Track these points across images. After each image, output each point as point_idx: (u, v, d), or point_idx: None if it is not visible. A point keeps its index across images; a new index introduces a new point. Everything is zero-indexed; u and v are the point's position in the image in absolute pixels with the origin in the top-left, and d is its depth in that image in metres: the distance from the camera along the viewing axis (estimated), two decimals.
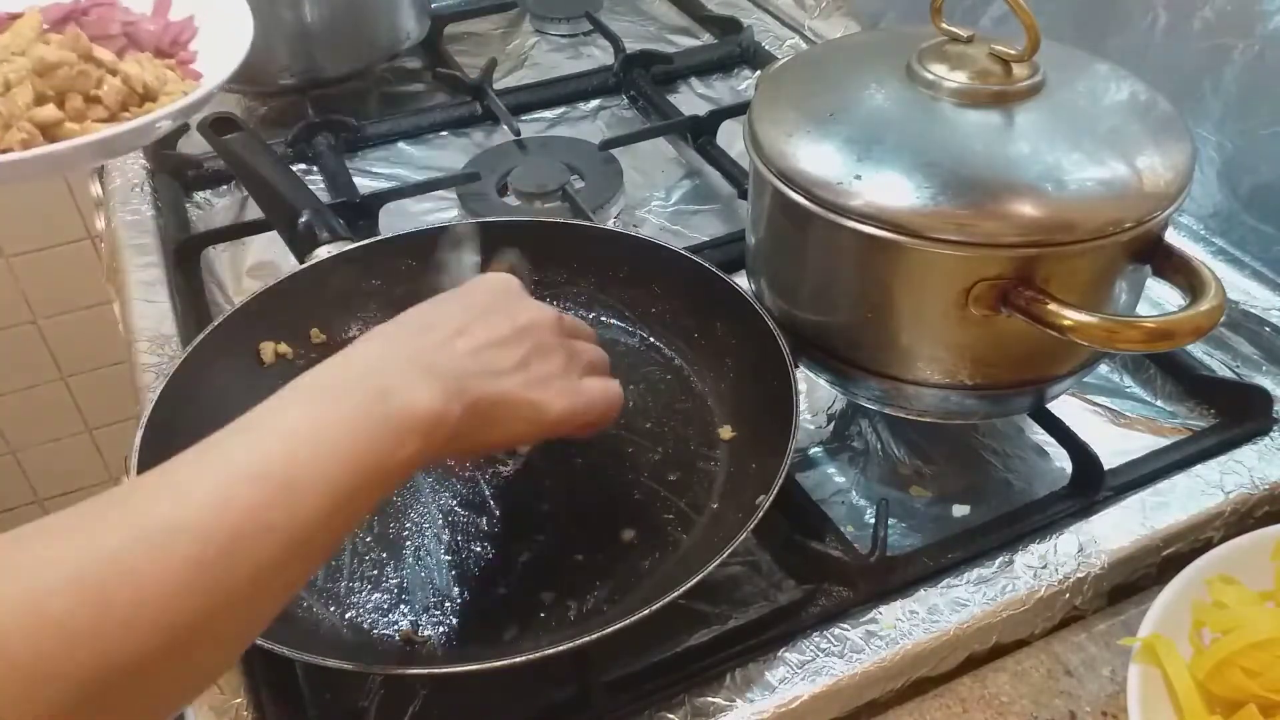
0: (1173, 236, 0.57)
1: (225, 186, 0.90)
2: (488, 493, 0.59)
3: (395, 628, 0.52)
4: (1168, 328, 0.51)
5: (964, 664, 0.54)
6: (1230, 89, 0.73)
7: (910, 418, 0.63)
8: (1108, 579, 0.57)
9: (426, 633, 0.52)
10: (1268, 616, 0.49)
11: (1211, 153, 0.75)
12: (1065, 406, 0.66)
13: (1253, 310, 0.71)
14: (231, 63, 0.75)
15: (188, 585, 0.33)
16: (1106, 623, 0.56)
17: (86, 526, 0.34)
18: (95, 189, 0.93)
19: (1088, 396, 0.69)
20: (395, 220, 0.83)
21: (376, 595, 0.54)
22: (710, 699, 0.50)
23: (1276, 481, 0.61)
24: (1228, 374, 0.69)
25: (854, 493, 0.63)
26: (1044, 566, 0.56)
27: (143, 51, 0.76)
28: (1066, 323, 0.51)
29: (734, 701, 0.50)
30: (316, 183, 0.88)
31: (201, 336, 0.61)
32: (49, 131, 0.68)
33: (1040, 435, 0.66)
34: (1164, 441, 0.65)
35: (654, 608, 0.47)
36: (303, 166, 0.91)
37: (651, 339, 0.68)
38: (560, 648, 0.46)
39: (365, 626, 0.52)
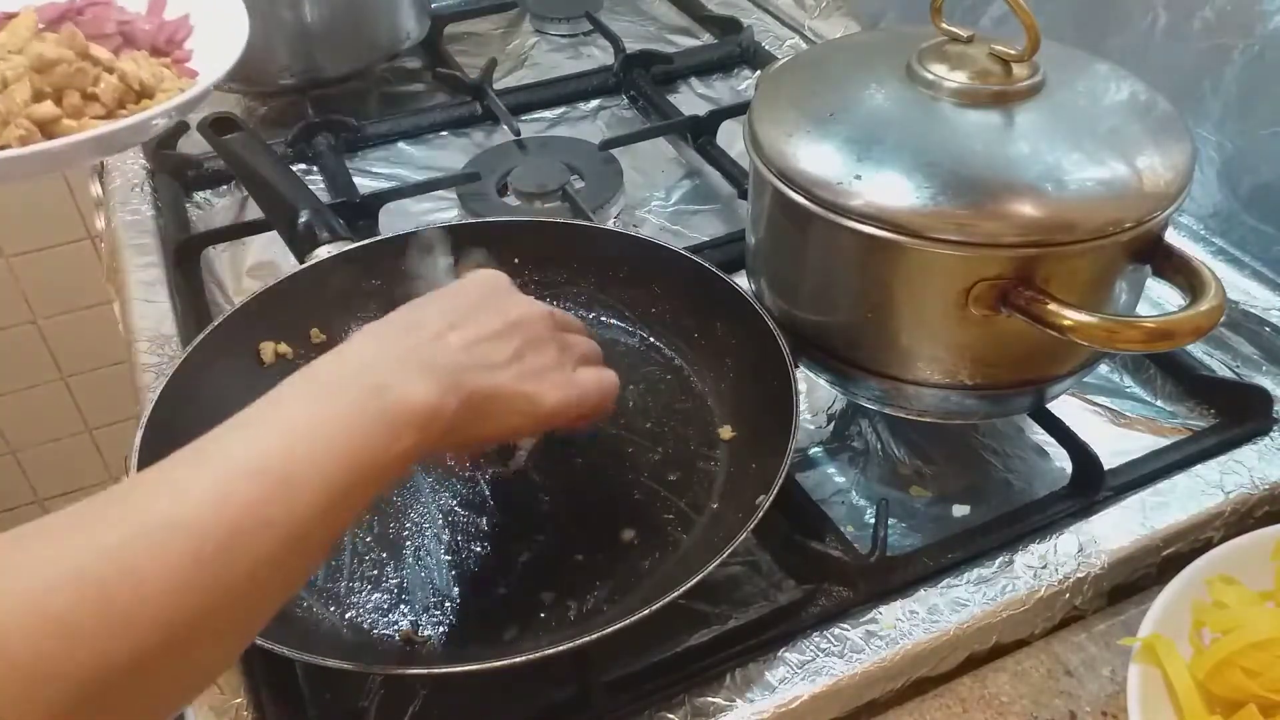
0: (1173, 236, 0.57)
1: (225, 186, 0.90)
2: (488, 493, 0.59)
3: (395, 628, 0.52)
4: (1168, 328, 0.51)
5: (964, 664, 0.54)
6: (1230, 89, 0.73)
7: (910, 418, 0.63)
8: (1108, 579, 0.57)
9: (426, 633, 0.52)
10: (1268, 616, 0.49)
11: (1211, 153, 0.75)
12: (1065, 406, 0.66)
13: (1253, 310, 0.71)
14: (227, 61, 0.75)
15: (187, 582, 0.34)
16: (1106, 623, 0.56)
17: (86, 525, 0.34)
18: (95, 189, 0.93)
19: (1088, 396, 0.69)
20: (395, 220, 0.83)
21: (376, 595, 0.54)
22: (710, 699, 0.50)
23: (1276, 481, 0.61)
24: (1228, 374, 0.69)
25: (854, 493, 0.63)
26: (1044, 566, 0.56)
27: (138, 50, 0.76)
28: (1066, 323, 0.51)
29: (734, 701, 0.50)
30: (316, 183, 0.88)
31: (201, 336, 0.61)
32: (47, 128, 0.68)
33: (1040, 435, 0.66)
34: (1164, 441, 0.65)
35: (654, 608, 0.47)
36: (303, 166, 0.91)
37: (651, 339, 0.68)
38: (560, 648, 0.46)
39: (365, 626, 0.52)
